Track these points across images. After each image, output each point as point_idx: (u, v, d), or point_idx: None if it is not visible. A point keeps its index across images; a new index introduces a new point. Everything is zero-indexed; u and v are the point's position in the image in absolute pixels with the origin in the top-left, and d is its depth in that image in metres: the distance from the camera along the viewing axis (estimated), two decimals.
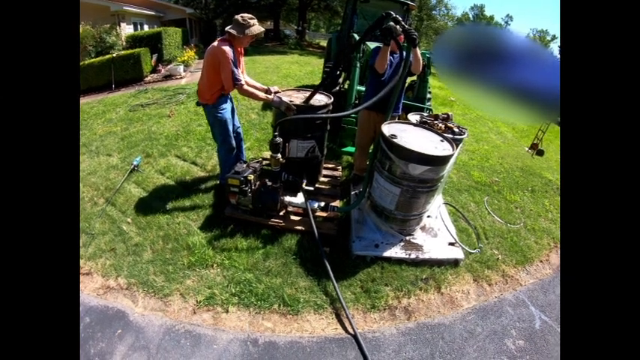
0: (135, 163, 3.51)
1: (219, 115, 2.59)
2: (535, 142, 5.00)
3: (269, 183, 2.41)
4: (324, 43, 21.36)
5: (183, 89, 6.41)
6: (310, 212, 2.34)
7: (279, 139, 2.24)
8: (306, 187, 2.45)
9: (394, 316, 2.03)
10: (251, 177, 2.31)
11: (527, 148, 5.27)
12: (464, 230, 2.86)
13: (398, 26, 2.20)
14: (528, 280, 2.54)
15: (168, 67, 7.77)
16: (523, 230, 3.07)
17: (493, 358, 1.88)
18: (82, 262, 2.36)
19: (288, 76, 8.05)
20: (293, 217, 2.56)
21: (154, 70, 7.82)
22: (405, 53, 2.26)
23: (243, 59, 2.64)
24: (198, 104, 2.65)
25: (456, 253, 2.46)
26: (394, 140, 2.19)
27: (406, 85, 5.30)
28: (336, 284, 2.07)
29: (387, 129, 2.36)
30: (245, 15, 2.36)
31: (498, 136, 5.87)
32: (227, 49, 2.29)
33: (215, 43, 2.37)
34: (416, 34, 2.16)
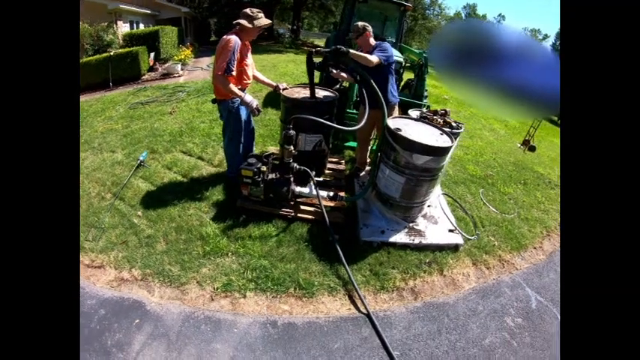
0: (141, 158, 3.53)
1: (236, 110, 2.64)
2: (527, 138, 5.21)
3: (280, 174, 2.52)
4: (318, 42, 21.47)
5: (183, 87, 6.43)
6: (321, 201, 2.46)
7: (292, 132, 2.35)
8: (315, 178, 2.57)
9: (402, 296, 2.17)
10: (263, 168, 2.42)
11: (519, 144, 5.47)
12: (462, 219, 3.01)
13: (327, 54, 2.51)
14: (523, 264, 2.70)
15: (166, 65, 7.78)
16: (517, 220, 3.24)
17: (495, 334, 2.02)
18: (93, 255, 2.39)
19: (285, 75, 8.13)
20: (303, 207, 2.67)
21: (152, 69, 7.80)
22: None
23: (250, 55, 2.70)
24: (213, 101, 2.68)
25: (456, 238, 2.61)
26: (399, 133, 2.33)
27: (402, 82, 5.48)
28: (347, 268, 2.19)
29: (392, 123, 2.51)
30: (253, 8, 2.48)
31: (491, 132, 6.08)
32: (233, 37, 2.37)
33: (224, 36, 2.45)
34: (340, 47, 2.39)
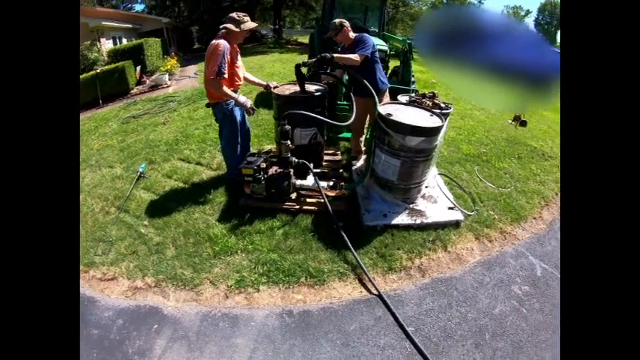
0: (140, 170, 3.56)
1: (230, 112, 2.68)
2: (517, 114, 5.26)
3: (280, 169, 2.57)
4: (301, 40, 21.41)
5: (173, 97, 6.45)
6: (323, 191, 2.52)
7: (288, 127, 2.41)
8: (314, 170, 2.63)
9: (410, 275, 2.23)
10: (263, 165, 2.47)
11: (510, 121, 5.51)
12: (460, 196, 3.07)
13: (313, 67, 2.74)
14: (525, 235, 2.76)
15: (154, 77, 7.78)
16: (514, 193, 3.29)
17: (504, 303, 2.08)
18: (104, 268, 2.41)
19: (273, 74, 8.15)
20: (305, 199, 2.73)
21: (139, 82, 7.81)
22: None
23: (240, 58, 2.75)
24: (208, 105, 2.73)
25: (456, 215, 2.67)
26: (391, 118, 2.40)
27: (389, 70, 5.54)
28: (355, 252, 2.25)
29: (383, 109, 2.57)
30: (239, 12, 2.54)
31: (482, 111, 6.14)
32: (222, 42, 2.41)
33: (213, 41, 2.49)
34: (324, 55, 2.55)
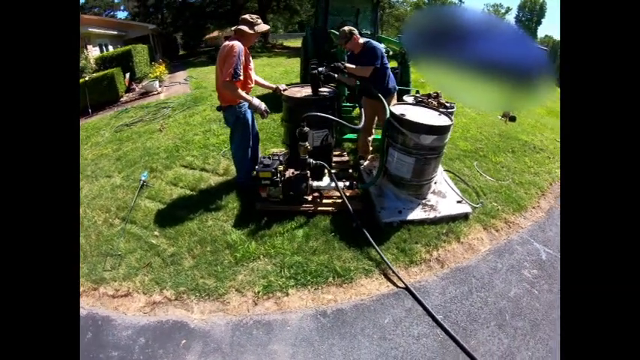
0: (143, 178, 3.44)
1: (243, 115, 2.66)
2: (506, 110, 5.50)
3: (296, 171, 2.60)
4: (287, 44, 21.48)
5: (166, 103, 6.32)
6: (342, 191, 2.58)
7: (307, 129, 2.44)
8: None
9: (430, 266, 2.33)
10: (280, 168, 2.49)
11: (499, 117, 5.76)
12: (464, 191, 3.20)
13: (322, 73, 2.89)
14: (527, 223, 2.93)
15: (144, 83, 7.61)
16: (513, 185, 3.48)
17: (517, 286, 2.22)
18: (116, 284, 2.30)
19: (265, 79, 8.12)
20: (320, 200, 2.77)
21: (129, 89, 7.61)
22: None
23: (252, 60, 2.75)
24: (219, 109, 2.69)
25: (465, 208, 2.80)
26: (405, 118, 2.49)
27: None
28: (378, 249, 2.31)
29: (395, 110, 2.67)
30: (252, 14, 2.55)
31: (472, 109, 6.37)
32: (236, 43, 2.39)
33: (226, 42, 2.48)
34: (337, 65, 2.83)
